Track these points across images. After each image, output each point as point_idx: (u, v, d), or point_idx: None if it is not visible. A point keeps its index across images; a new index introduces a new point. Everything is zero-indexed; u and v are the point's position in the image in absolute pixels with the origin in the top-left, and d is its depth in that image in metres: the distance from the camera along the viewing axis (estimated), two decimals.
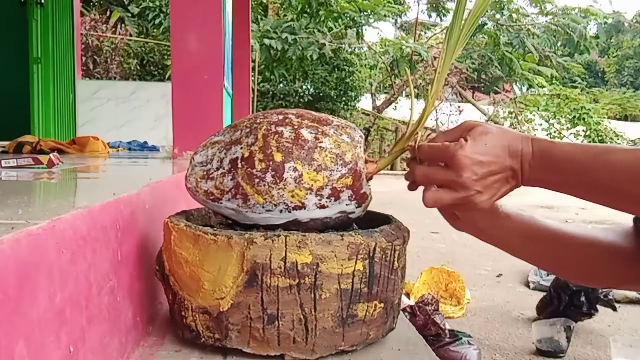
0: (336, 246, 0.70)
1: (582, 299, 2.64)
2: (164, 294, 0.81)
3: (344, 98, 12.32)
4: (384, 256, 0.74)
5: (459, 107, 13.46)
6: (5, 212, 0.56)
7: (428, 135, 0.79)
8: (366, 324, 0.74)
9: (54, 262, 0.50)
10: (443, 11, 12.85)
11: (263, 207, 0.73)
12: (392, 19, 13.70)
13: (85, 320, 0.57)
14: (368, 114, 13.41)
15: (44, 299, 0.48)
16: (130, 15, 9.98)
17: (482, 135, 0.68)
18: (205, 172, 0.77)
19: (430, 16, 13.39)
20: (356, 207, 0.76)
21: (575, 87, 14.85)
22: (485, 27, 11.93)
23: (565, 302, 2.66)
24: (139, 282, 0.79)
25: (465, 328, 2.56)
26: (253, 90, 8.93)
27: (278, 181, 0.72)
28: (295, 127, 0.75)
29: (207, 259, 0.71)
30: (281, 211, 0.73)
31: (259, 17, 11.03)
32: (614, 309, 2.76)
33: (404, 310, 2.09)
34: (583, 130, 12.42)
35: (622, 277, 0.77)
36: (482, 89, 13.57)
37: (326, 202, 0.73)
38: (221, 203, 0.75)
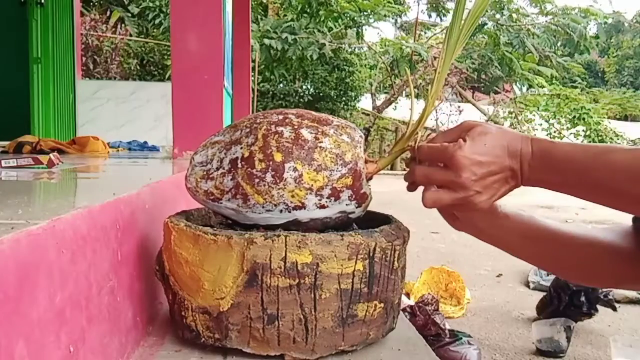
0: (336, 246, 0.70)
1: (582, 299, 2.64)
2: (164, 294, 0.81)
3: (344, 98, 12.32)
4: (384, 256, 0.74)
5: (459, 107, 13.46)
6: (5, 212, 0.56)
7: (428, 135, 0.79)
8: (366, 324, 0.74)
9: (54, 262, 0.50)
10: (443, 11, 12.85)
11: (263, 207, 0.73)
12: (392, 19, 13.71)
13: (85, 320, 0.57)
14: (368, 114, 13.41)
15: (44, 299, 0.48)
16: (130, 15, 9.98)
17: (481, 135, 0.68)
18: (205, 172, 0.77)
19: (430, 16, 13.41)
20: (356, 207, 0.76)
21: (575, 87, 14.85)
22: (485, 27, 11.93)
23: (565, 302, 2.66)
24: (139, 282, 0.79)
25: (465, 328, 2.56)
26: (253, 90, 8.93)
27: (278, 181, 0.72)
28: (295, 127, 0.75)
29: (207, 259, 0.71)
30: (281, 211, 0.73)
31: (259, 17, 11.04)
32: (614, 309, 2.76)
33: (404, 310, 2.09)
34: (583, 130, 12.42)
35: (622, 277, 0.77)
36: (482, 89, 13.57)
37: (326, 202, 0.73)
38: (221, 203, 0.75)
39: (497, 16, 11.83)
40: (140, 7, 9.96)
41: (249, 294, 0.69)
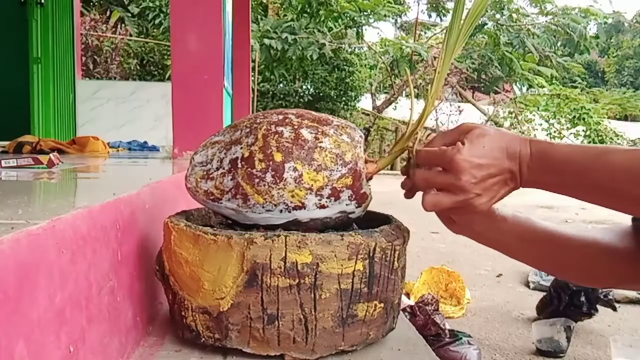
0: (336, 246, 0.70)
1: (582, 299, 2.64)
2: (164, 294, 0.81)
3: (344, 98, 12.32)
4: (384, 256, 0.74)
5: (459, 107, 13.46)
6: (5, 212, 0.56)
7: (428, 135, 0.79)
8: (366, 324, 0.74)
9: (54, 262, 0.50)
10: (443, 11, 12.85)
11: (263, 207, 0.73)
12: (392, 19, 13.71)
13: (85, 320, 0.57)
14: (368, 114, 13.41)
15: (44, 299, 0.48)
16: (130, 15, 9.98)
17: (480, 137, 0.68)
18: (205, 172, 0.77)
19: (430, 16, 13.40)
20: (356, 207, 0.76)
21: (575, 87, 14.85)
22: (485, 27, 11.93)
23: (565, 302, 2.66)
24: (139, 282, 0.79)
25: (465, 328, 2.56)
26: (253, 90, 8.93)
27: (278, 181, 0.72)
28: (295, 127, 0.75)
29: (207, 259, 0.71)
30: (281, 211, 0.73)
31: (259, 17, 11.04)
32: (614, 309, 2.76)
33: (404, 310, 2.09)
34: (583, 131, 12.42)
35: (622, 277, 0.77)
36: (482, 89, 13.57)
37: (326, 202, 0.73)
38: (221, 203, 0.75)
39: (497, 16, 11.83)
40: (140, 7, 9.97)
41: (249, 294, 0.69)
